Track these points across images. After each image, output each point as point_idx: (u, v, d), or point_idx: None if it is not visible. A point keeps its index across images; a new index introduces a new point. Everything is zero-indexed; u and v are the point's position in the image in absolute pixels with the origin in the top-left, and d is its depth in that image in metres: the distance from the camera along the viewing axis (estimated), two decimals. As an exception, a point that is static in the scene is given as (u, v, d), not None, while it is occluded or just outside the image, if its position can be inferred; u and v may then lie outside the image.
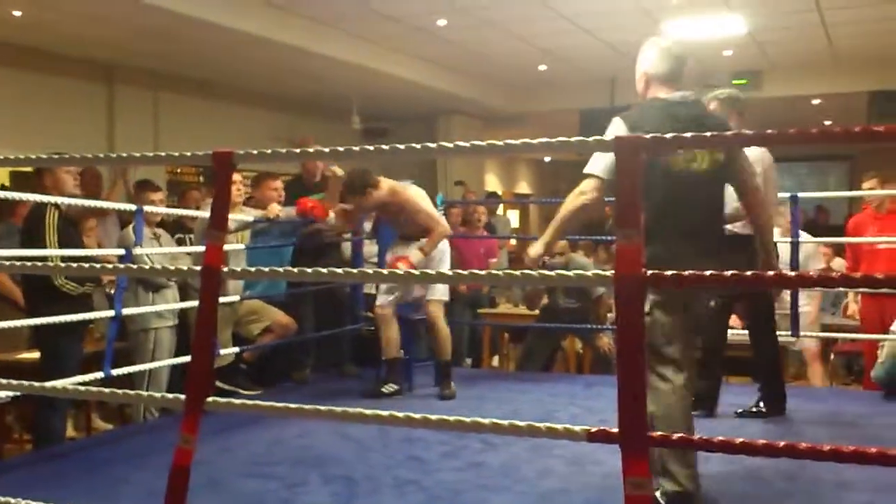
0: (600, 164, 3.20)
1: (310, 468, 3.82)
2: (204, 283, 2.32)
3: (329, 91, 10.78)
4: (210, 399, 2.28)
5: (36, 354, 4.89)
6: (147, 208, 5.20)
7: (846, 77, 10.38)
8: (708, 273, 1.81)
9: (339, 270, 2.64)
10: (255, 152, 2.42)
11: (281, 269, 2.44)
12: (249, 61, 9.11)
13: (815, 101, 11.65)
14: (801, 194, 5.40)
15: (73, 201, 4.61)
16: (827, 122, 13.25)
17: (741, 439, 1.74)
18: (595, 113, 10.91)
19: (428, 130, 12.51)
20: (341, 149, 2.44)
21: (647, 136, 1.78)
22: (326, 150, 2.44)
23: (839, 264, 7.45)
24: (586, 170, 3.28)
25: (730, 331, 5.84)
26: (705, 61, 9.99)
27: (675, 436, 1.82)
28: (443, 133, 12.63)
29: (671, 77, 3.36)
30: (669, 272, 1.81)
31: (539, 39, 9.35)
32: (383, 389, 5.43)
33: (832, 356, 7.25)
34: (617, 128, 3.18)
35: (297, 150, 2.41)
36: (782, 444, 1.71)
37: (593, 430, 1.91)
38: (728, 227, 3.93)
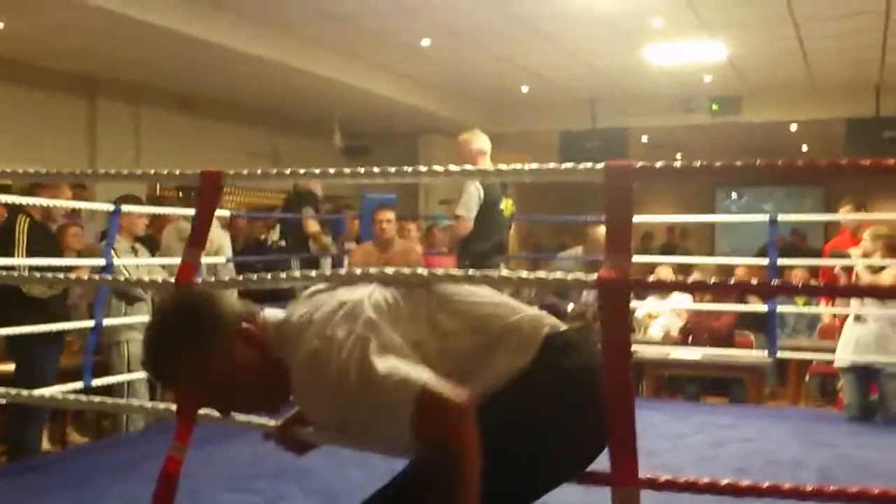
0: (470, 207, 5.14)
1: (290, 482, 3.81)
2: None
3: (311, 108, 10.81)
4: (202, 411, 2.29)
5: (11, 366, 4.85)
6: (125, 208, 5.18)
7: (824, 104, 10.54)
8: (690, 281, 1.85)
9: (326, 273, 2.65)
10: (245, 172, 2.44)
11: (254, 277, 2.45)
12: (231, 77, 9.12)
13: (794, 127, 11.82)
14: (780, 217, 5.49)
15: (45, 202, 4.58)
16: (804, 148, 13.44)
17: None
18: (575, 135, 11.02)
19: (409, 149, 12.55)
20: (332, 170, 2.44)
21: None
22: (317, 170, 2.42)
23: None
24: (459, 212, 5.18)
25: (702, 350, 5.97)
26: (686, 87, 10.13)
27: (662, 478, 1.85)
28: (424, 152, 12.66)
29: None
30: (651, 278, 1.88)
31: (522, 60, 9.44)
32: None
33: (807, 377, 7.33)
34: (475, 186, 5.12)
35: (287, 172, 2.44)
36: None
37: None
38: None
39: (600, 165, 1.88)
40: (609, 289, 1.76)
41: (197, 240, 2.40)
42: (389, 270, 1.92)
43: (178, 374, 1.77)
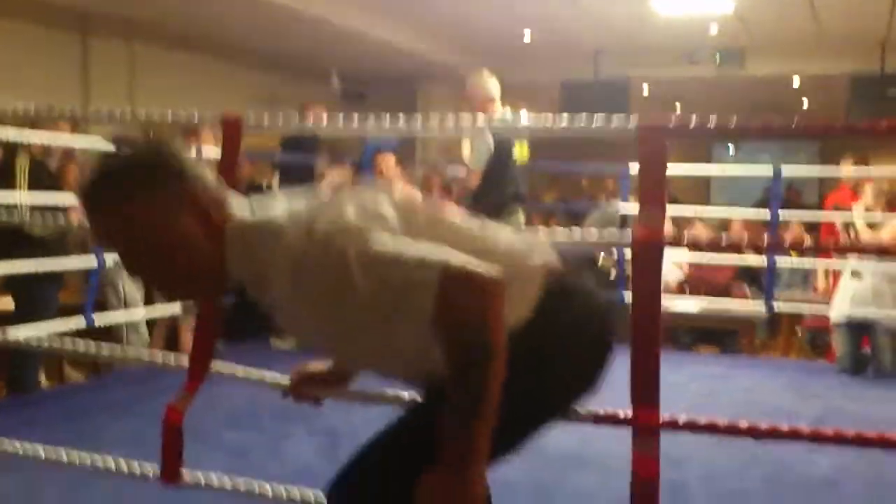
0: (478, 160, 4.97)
1: (293, 422, 3.84)
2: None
3: (309, 51, 10.67)
4: (214, 369, 2.33)
5: (9, 303, 4.85)
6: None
7: (828, 59, 10.41)
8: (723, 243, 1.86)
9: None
10: (265, 118, 2.43)
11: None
12: (228, 16, 8.97)
13: (796, 83, 11.72)
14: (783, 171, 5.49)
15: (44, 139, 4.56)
16: (805, 101, 13.34)
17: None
18: (577, 85, 10.91)
19: (408, 94, 12.43)
20: (357, 120, 2.44)
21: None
22: (340, 117, 2.44)
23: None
24: (468, 165, 5.11)
25: (695, 301, 6.01)
26: (691, 39, 10.03)
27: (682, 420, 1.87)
28: (423, 100, 12.53)
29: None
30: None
31: (525, 8, 9.31)
32: None
33: (798, 331, 7.40)
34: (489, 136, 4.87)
35: (310, 120, 2.43)
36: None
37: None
38: None
39: (633, 124, 1.89)
40: (643, 248, 1.79)
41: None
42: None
43: (100, 209, 1.51)
